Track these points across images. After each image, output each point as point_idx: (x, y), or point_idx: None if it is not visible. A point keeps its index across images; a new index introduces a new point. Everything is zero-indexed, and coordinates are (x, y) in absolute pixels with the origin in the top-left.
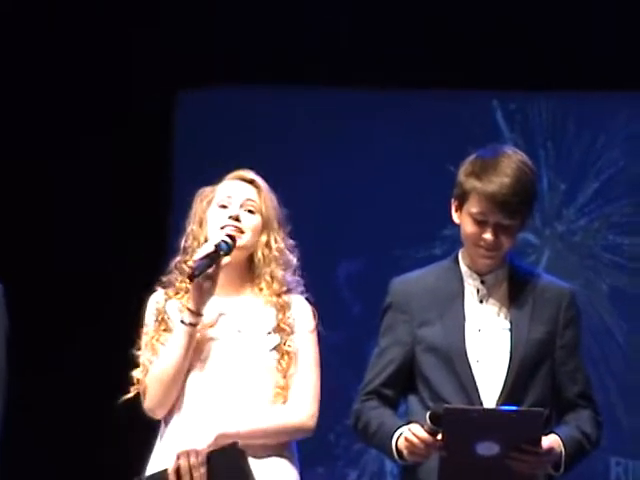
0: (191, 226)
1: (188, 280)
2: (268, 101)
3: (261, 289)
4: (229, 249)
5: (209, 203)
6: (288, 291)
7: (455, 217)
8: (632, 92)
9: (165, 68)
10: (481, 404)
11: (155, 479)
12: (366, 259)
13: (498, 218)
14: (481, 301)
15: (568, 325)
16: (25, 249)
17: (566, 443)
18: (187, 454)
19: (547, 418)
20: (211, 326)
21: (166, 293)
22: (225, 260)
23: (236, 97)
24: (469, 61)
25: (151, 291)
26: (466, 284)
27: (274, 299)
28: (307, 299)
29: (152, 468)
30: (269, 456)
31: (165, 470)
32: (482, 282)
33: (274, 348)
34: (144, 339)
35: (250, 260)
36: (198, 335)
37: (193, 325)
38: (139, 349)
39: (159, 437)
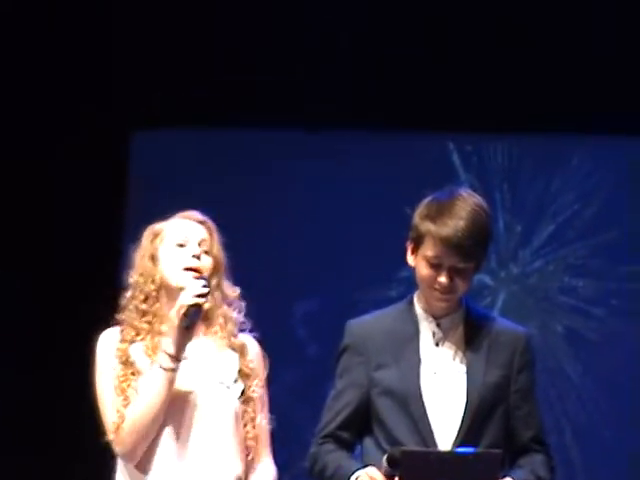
0: (141, 262)
1: (178, 329)
2: (221, 142)
3: (215, 332)
4: (208, 294)
5: (162, 240)
6: (241, 331)
7: (410, 260)
8: (585, 135)
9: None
10: (436, 447)
11: None
12: (322, 299)
13: (453, 261)
14: (437, 344)
15: (522, 369)
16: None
17: None
18: None
19: (501, 460)
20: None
21: (125, 333)
22: (206, 306)
23: (188, 138)
24: (425, 103)
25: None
26: (422, 327)
27: (229, 341)
28: (255, 337)
29: None
30: None
31: None
32: (438, 325)
33: (241, 395)
34: (110, 381)
35: None
36: None
37: (174, 371)
38: (103, 391)
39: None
